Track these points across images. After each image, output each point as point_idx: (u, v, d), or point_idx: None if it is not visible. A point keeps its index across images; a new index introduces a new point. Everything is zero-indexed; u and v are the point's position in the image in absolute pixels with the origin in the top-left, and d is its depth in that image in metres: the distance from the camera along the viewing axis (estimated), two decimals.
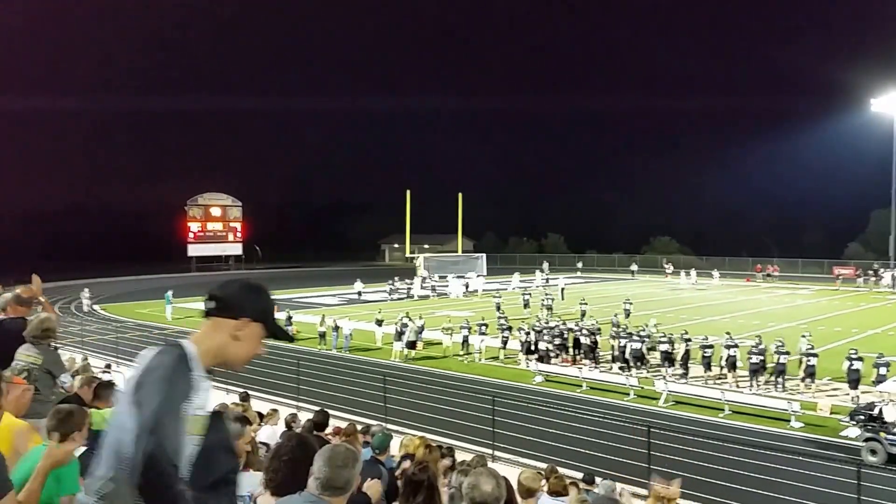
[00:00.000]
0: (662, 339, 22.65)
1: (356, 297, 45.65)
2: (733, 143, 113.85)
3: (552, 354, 24.14)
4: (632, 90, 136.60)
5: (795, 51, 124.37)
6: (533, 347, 24.42)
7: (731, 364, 20.90)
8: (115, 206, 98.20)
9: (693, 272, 55.36)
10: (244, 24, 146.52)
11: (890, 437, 14.32)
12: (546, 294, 38.16)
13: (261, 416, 12.09)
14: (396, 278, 47.72)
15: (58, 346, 7.06)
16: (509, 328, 26.44)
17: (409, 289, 46.67)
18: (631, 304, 35.87)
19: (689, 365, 22.11)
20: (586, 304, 35.16)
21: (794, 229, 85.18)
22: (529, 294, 40.55)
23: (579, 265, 66.89)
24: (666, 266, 64.16)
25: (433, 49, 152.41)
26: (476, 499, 3.22)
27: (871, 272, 54.47)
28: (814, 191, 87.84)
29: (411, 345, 25.95)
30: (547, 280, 51.90)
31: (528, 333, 24.85)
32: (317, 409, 11.08)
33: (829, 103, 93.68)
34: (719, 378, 21.44)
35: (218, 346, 2.14)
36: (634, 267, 64.83)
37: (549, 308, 35.18)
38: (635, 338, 22.74)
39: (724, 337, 22.13)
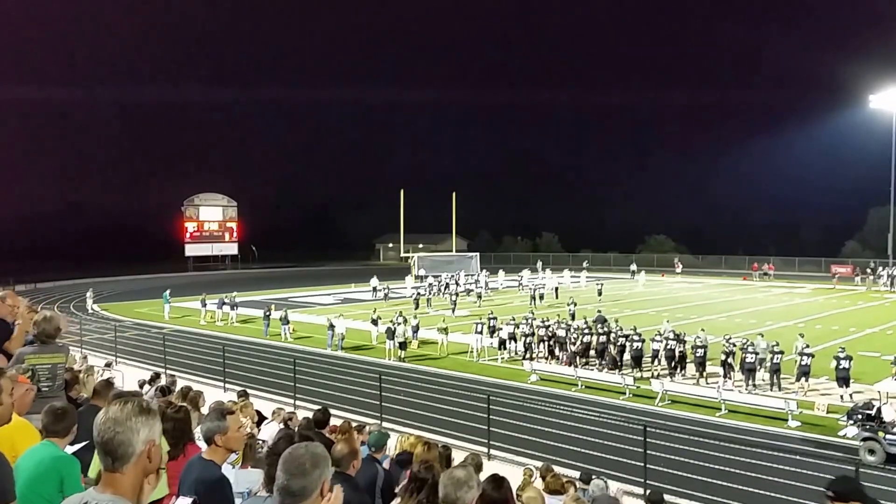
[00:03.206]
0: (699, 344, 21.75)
1: (371, 293, 45.24)
2: (730, 140, 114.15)
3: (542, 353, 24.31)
4: (627, 88, 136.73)
5: (793, 47, 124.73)
6: (510, 343, 25.28)
7: (728, 363, 20.91)
8: (113, 206, 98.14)
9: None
10: (240, 24, 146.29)
11: (889, 436, 14.28)
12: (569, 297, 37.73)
13: (260, 414, 12.09)
14: (374, 277, 47.73)
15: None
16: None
17: (432, 287, 45.06)
18: (601, 284, 42.83)
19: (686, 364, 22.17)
20: (574, 303, 34.06)
21: (792, 227, 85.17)
22: (532, 289, 40.97)
23: (585, 264, 66.11)
24: (676, 265, 64.19)
25: (428, 47, 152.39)
26: (447, 484, 3.38)
27: (868, 270, 54.44)
28: (811, 188, 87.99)
29: (402, 345, 25.89)
30: (520, 283, 49.97)
31: (499, 330, 25.49)
32: (315, 407, 11.07)
33: (827, 100, 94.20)
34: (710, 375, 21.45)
35: None
36: (633, 266, 64.32)
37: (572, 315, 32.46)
38: (634, 338, 22.70)
39: (700, 334, 22.18)
